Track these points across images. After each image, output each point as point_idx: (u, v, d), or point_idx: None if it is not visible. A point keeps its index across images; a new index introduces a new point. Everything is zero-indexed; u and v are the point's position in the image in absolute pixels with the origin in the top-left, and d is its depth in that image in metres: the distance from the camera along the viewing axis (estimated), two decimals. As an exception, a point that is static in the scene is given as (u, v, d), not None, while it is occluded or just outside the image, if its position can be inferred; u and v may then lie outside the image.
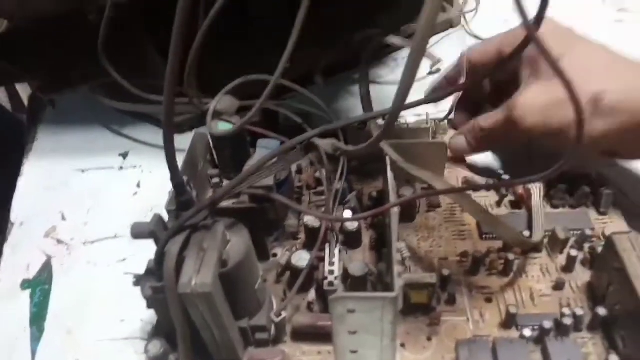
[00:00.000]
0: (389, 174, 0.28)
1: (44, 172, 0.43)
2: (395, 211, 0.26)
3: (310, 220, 0.32)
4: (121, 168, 0.43)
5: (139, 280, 0.27)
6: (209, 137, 0.34)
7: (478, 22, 0.53)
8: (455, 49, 0.39)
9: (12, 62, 0.46)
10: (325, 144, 0.27)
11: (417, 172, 0.29)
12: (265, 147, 0.34)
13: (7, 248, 0.37)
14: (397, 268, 0.23)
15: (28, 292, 0.34)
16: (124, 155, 0.44)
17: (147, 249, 0.36)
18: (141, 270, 0.34)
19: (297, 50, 0.23)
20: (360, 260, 0.31)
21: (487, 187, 0.35)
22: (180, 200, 0.26)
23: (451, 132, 0.38)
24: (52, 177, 0.42)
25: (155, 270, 0.26)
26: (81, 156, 0.44)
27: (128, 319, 0.32)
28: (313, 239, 0.32)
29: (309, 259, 0.30)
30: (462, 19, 0.53)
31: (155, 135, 0.45)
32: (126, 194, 0.40)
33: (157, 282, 0.26)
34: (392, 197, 0.27)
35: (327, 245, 0.31)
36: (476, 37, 0.51)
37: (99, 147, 0.45)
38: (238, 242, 0.26)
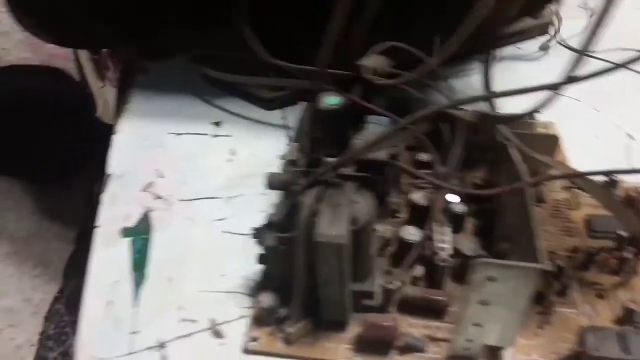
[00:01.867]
0: (515, 155, 0.28)
1: (139, 132, 0.44)
2: (532, 192, 0.26)
3: (417, 197, 0.32)
4: (215, 136, 0.43)
5: (259, 233, 0.28)
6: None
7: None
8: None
9: (110, 25, 0.47)
10: (468, 114, 0.27)
11: (542, 158, 0.28)
12: (377, 123, 0.34)
13: (105, 197, 0.38)
14: (538, 242, 0.23)
15: (128, 240, 0.35)
16: (218, 124, 0.44)
17: (244, 211, 0.37)
18: (240, 229, 0.35)
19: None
20: (470, 241, 0.31)
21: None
22: (311, 156, 0.27)
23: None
24: (147, 138, 0.43)
25: (284, 221, 0.26)
26: (175, 121, 0.45)
27: (228, 273, 0.32)
28: (418, 217, 0.32)
29: (419, 234, 0.30)
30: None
31: (247, 109, 0.46)
32: (221, 160, 0.41)
33: (280, 233, 0.26)
34: (525, 177, 0.27)
35: (435, 223, 0.31)
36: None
37: (192, 114, 0.45)
38: (365, 204, 0.27)
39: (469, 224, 0.33)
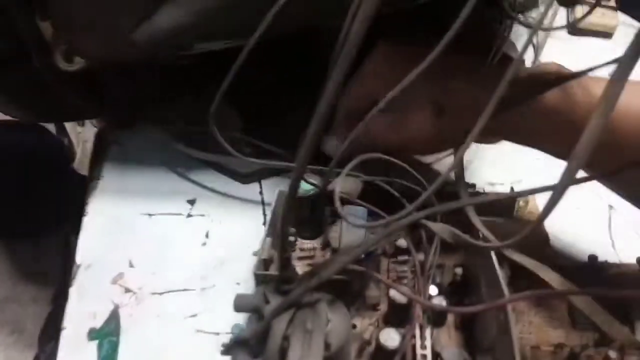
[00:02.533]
0: (497, 265, 0.27)
1: (110, 214, 0.42)
2: (511, 309, 0.25)
3: (397, 295, 0.31)
4: (189, 215, 0.42)
5: (228, 350, 0.26)
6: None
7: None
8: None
9: (86, 99, 0.46)
10: (442, 230, 0.26)
11: (536, 269, 0.27)
12: (354, 215, 0.33)
13: (73, 292, 0.36)
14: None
15: (95, 343, 0.33)
16: (192, 202, 0.43)
17: (218, 305, 0.36)
18: (214, 327, 0.34)
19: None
20: (453, 346, 0.29)
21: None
22: (284, 274, 0.26)
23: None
24: (118, 220, 0.42)
25: (255, 342, 0.25)
26: (148, 199, 0.43)
27: (202, 383, 0.31)
28: (398, 314, 0.31)
29: (398, 338, 0.29)
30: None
31: (224, 184, 0.44)
32: (195, 244, 0.40)
33: (251, 357, 0.25)
34: (506, 290, 0.26)
35: (416, 325, 0.30)
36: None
37: (165, 190, 0.44)
38: (339, 323, 0.25)
39: (451, 316, 0.32)
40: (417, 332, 0.29)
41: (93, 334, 0.34)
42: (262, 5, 0.31)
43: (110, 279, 0.37)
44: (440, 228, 0.26)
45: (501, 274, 0.27)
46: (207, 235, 0.40)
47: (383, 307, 0.33)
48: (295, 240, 0.35)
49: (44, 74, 0.44)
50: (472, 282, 0.32)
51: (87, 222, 0.42)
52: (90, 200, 0.44)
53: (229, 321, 0.32)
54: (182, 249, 0.39)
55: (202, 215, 0.42)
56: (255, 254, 0.31)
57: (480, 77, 0.31)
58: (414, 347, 0.29)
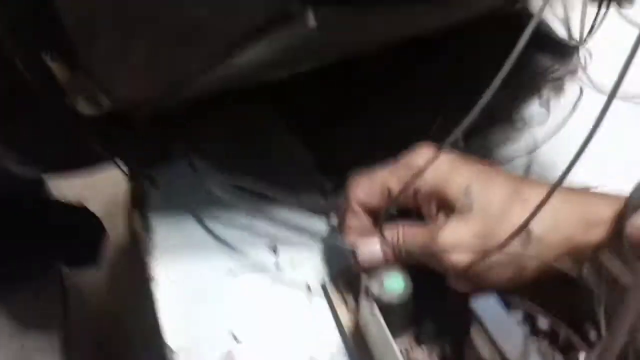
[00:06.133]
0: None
1: (187, 278, 0.36)
2: None
3: None
4: (278, 267, 0.37)
5: None
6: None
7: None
8: None
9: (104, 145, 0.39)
10: None
11: None
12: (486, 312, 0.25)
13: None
14: None
15: None
16: (274, 249, 0.38)
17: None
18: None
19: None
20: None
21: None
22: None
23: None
24: (199, 285, 0.36)
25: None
26: (221, 253, 0.38)
27: None
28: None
29: None
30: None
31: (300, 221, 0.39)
32: (296, 301, 0.35)
33: None
34: None
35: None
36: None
37: (233, 238, 0.38)
38: None
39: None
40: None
41: None
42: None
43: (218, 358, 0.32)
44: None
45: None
46: (309, 288, 0.36)
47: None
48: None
49: (54, 118, 0.37)
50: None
51: (159, 292, 0.36)
52: (153, 264, 0.38)
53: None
54: (285, 307, 0.35)
55: (291, 263, 0.37)
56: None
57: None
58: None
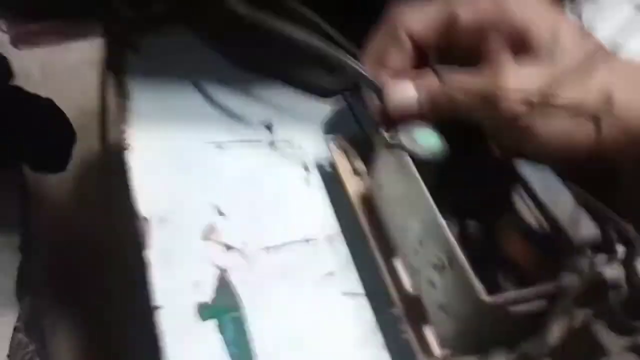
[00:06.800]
0: None
1: (161, 146, 0.32)
2: None
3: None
4: (272, 143, 0.32)
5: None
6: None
7: None
8: None
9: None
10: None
11: None
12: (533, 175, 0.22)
13: (152, 257, 0.27)
14: None
15: (212, 323, 0.25)
16: (269, 127, 0.33)
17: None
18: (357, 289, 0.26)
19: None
20: None
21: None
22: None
23: None
24: (178, 154, 0.31)
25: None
26: (206, 123, 0.33)
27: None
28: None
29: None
30: None
31: (297, 103, 0.34)
32: (292, 178, 0.31)
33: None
34: None
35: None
36: None
37: (223, 110, 0.34)
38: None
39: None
40: None
41: (205, 312, 0.25)
42: None
43: (198, 234, 0.28)
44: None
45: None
46: (306, 168, 0.31)
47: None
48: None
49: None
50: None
51: (133, 159, 0.31)
52: (128, 130, 0.33)
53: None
54: (279, 185, 0.30)
55: (287, 142, 0.33)
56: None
57: None
58: None
